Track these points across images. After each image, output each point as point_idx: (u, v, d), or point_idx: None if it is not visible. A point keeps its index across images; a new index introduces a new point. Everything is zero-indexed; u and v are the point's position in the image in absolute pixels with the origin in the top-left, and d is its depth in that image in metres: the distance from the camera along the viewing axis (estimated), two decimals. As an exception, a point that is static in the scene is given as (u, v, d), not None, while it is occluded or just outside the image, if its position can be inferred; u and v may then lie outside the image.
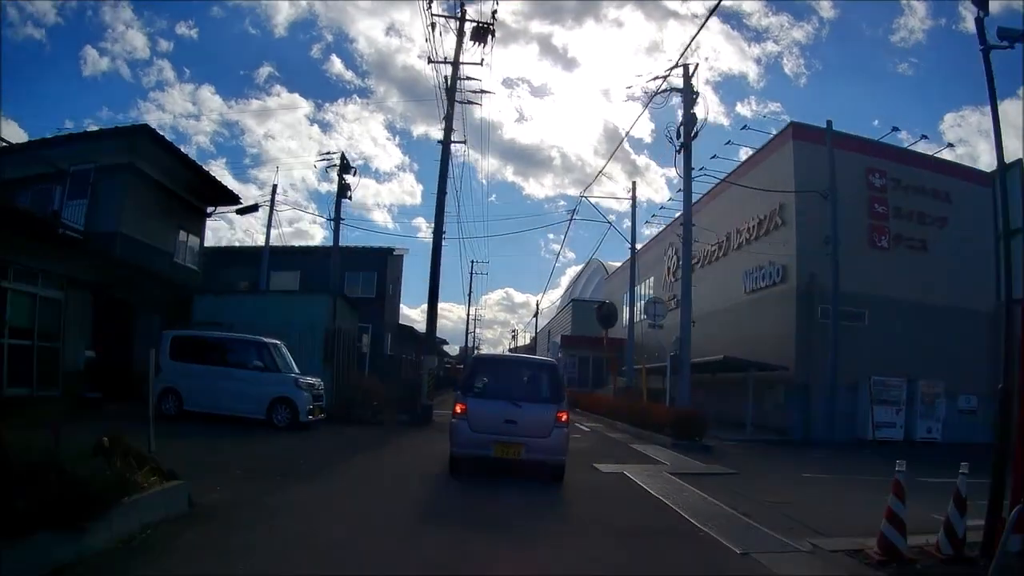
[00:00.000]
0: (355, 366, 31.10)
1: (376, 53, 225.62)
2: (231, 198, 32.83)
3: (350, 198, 39.93)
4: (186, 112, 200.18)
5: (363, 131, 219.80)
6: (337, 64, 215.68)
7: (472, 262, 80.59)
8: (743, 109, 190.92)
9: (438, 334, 51.38)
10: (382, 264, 51.82)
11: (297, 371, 22.46)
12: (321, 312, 27.12)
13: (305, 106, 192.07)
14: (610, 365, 37.62)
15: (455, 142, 29.79)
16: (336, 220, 39.31)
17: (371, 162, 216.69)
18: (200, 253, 32.99)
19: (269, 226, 38.88)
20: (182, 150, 28.26)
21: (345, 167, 38.93)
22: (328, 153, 39.94)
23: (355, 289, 51.02)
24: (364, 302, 48.11)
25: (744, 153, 39.97)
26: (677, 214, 45.22)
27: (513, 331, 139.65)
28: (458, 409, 13.88)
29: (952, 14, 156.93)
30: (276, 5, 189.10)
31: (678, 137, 27.74)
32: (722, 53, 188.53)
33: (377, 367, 38.86)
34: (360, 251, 53.98)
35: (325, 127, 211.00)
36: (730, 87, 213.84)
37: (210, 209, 33.40)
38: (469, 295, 79.42)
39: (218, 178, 30.97)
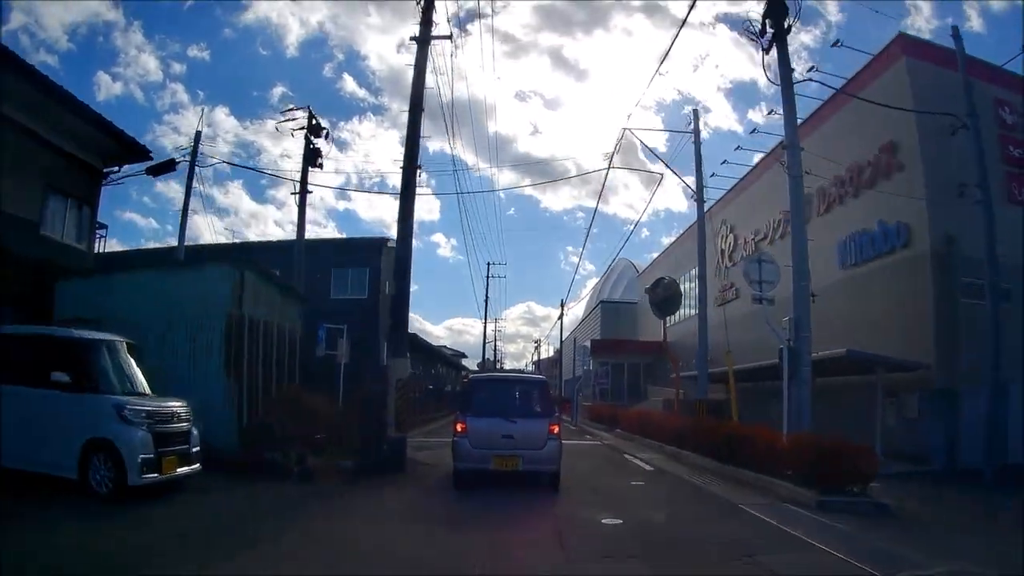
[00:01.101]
0: (294, 378, 21.16)
1: (388, 69, 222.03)
2: (138, 152, 22.91)
3: (320, 166, 30.49)
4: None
5: (378, 147, 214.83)
6: (350, 82, 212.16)
7: (488, 264, 71.08)
8: (755, 115, 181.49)
9: (459, 349, 44.50)
10: (376, 258, 42.72)
11: (142, 389, 12.82)
12: (218, 293, 16.90)
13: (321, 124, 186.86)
14: (671, 364, 27.05)
15: (436, 37, 19.96)
16: (302, 192, 30.39)
17: (387, 179, 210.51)
18: (93, 225, 23.15)
19: (188, 190, 28.82)
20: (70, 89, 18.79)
21: (314, 128, 29.87)
22: (292, 109, 30.22)
23: (343, 288, 42.41)
24: (352, 305, 39.45)
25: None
26: (721, 193, 37.47)
27: (536, 342, 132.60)
28: (459, 428, 14.83)
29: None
30: (286, 25, 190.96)
31: (763, 34, 18.22)
32: (732, 61, 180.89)
33: (354, 382, 29.57)
34: (349, 244, 45.20)
35: (341, 145, 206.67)
36: (741, 93, 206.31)
37: (113, 169, 23.58)
38: (486, 300, 70.33)
39: (115, 124, 21.20)
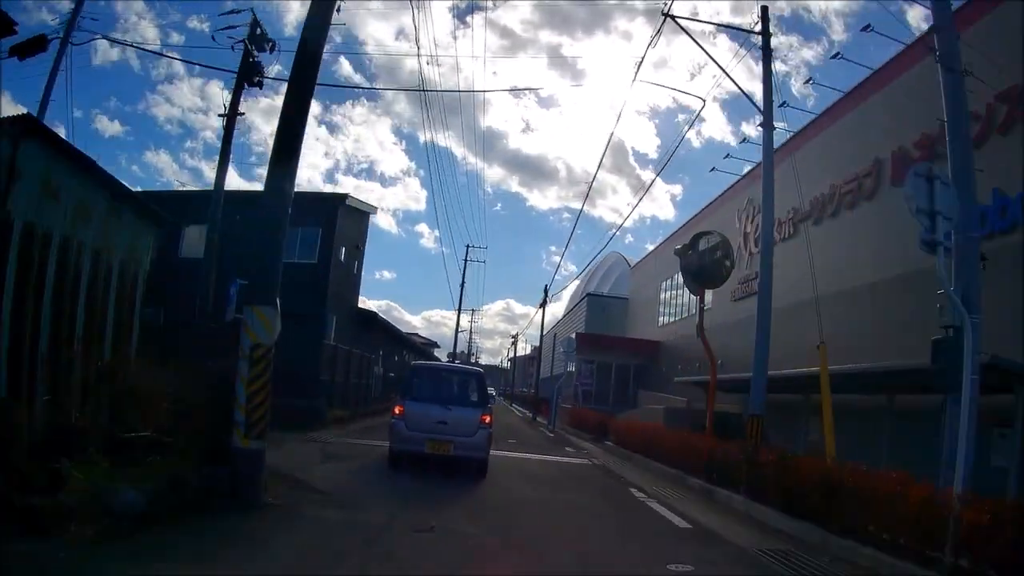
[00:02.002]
0: (128, 342, 13.95)
1: (386, 57, 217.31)
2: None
3: (260, 84, 23.04)
4: (195, 107, 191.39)
5: (370, 134, 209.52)
6: (346, 66, 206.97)
7: (467, 246, 64.29)
8: (748, 128, 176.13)
9: (436, 341, 37.58)
10: (329, 216, 35.41)
11: None
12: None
13: (313, 107, 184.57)
14: (708, 359, 18.97)
15: None
16: (231, 116, 23.20)
17: (376, 166, 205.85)
18: None
19: (53, 75, 21.67)
20: None
21: (258, 38, 22.32)
22: (234, 12, 22.80)
23: (288, 251, 34.85)
24: (297, 271, 32.12)
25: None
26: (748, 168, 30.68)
27: (513, 337, 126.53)
28: (397, 411, 15.37)
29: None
30: (287, 5, 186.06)
31: None
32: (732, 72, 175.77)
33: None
34: (300, 198, 37.74)
35: (333, 128, 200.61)
36: (736, 107, 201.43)
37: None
38: (462, 285, 63.49)
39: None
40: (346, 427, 25.13)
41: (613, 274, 67.75)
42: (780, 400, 21.36)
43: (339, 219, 35.67)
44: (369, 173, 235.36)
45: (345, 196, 36.56)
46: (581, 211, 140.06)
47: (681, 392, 31.17)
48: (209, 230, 23.23)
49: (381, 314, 51.75)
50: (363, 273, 40.43)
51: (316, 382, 24.68)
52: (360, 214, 40.74)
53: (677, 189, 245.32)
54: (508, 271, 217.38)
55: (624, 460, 22.54)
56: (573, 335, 41.97)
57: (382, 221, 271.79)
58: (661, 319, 45.06)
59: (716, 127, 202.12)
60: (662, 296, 45.31)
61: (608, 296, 61.83)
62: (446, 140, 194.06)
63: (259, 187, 28.37)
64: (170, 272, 25.28)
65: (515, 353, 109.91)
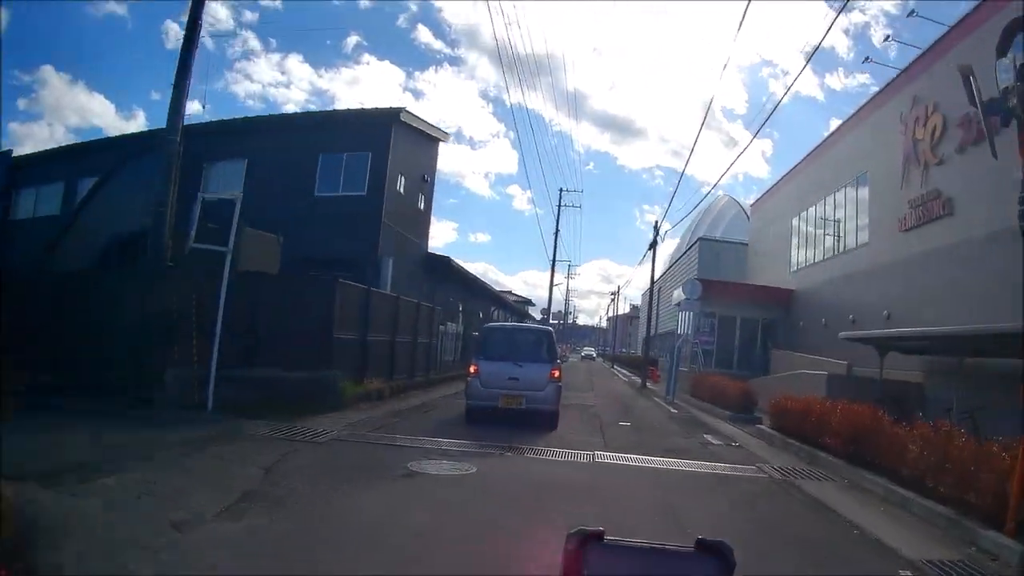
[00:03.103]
0: None
1: (463, 21, 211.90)
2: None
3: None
4: (275, 81, 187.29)
5: (455, 99, 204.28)
6: (425, 33, 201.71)
7: (560, 190, 56.73)
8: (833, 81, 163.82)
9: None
10: (381, 137, 27.75)
11: None
12: None
13: (397, 73, 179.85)
14: None
15: None
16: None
17: (464, 130, 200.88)
18: None
19: None
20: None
21: None
22: None
23: (331, 183, 28.10)
24: (344, 206, 25.04)
25: None
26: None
27: (613, 294, 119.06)
28: (472, 370, 16.38)
29: None
30: None
31: None
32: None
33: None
34: (344, 118, 30.03)
35: (418, 95, 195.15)
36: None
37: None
38: (556, 232, 55.82)
39: None
40: (379, 406, 17.81)
41: (724, 218, 58.67)
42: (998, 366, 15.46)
43: (394, 140, 28.02)
44: (459, 137, 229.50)
45: (399, 111, 28.50)
46: (683, 175, 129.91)
47: (844, 355, 22.64)
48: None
49: (479, 276, 44.33)
50: (438, 217, 32.90)
51: (326, 344, 16.92)
52: (425, 139, 32.64)
53: (767, 145, 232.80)
54: (603, 231, 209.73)
55: (809, 464, 13.62)
56: (696, 280, 32.79)
57: (474, 184, 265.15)
58: (795, 263, 36.26)
59: (804, 82, 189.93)
60: (796, 234, 36.43)
61: (722, 240, 52.50)
62: (533, 101, 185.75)
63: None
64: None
65: (616, 311, 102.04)
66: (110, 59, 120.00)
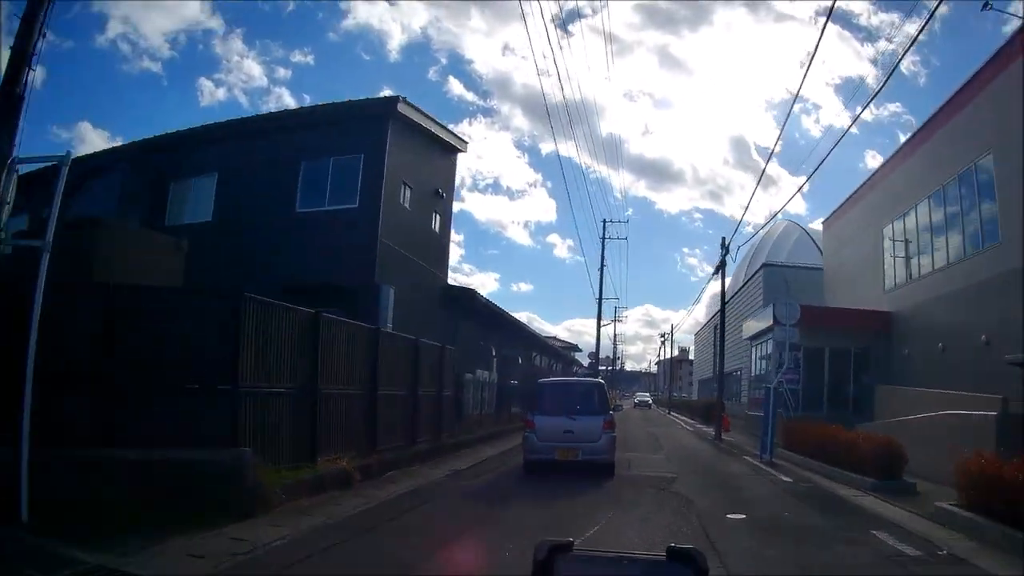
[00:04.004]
0: None
1: (494, 72, 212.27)
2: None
3: None
4: None
5: (490, 149, 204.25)
6: (457, 86, 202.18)
7: (604, 221, 50.84)
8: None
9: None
10: (375, 137, 22.06)
11: None
12: None
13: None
14: None
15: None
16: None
17: (501, 180, 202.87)
18: None
19: None
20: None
21: None
22: None
23: (315, 195, 22.39)
24: (330, 222, 21.76)
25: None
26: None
27: (663, 335, 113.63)
28: (528, 425, 16.48)
29: None
30: (388, 31, 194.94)
31: None
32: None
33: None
34: (327, 113, 23.83)
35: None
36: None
37: None
38: (601, 266, 49.56)
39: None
40: (337, 502, 11.32)
41: (784, 245, 51.68)
42: None
43: (391, 138, 22.15)
44: (496, 187, 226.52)
45: (396, 99, 22.16)
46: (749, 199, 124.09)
47: (953, 382, 16.20)
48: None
49: (517, 318, 37.76)
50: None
51: (226, 402, 10.00)
52: (437, 146, 26.20)
53: (801, 181, 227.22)
54: (644, 276, 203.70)
55: None
56: (794, 304, 25.31)
57: (515, 234, 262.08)
58: (890, 281, 29.47)
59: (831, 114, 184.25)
60: (888, 247, 29.59)
61: (789, 265, 45.28)
62: (569, 149, 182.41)
63: None
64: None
65: (666, 353, 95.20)
66: (147, 113, 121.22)
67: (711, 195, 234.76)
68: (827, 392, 29.88)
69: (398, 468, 14.61)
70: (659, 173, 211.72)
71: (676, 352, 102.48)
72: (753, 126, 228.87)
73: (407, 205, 23.69)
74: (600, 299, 49.49)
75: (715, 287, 57.75)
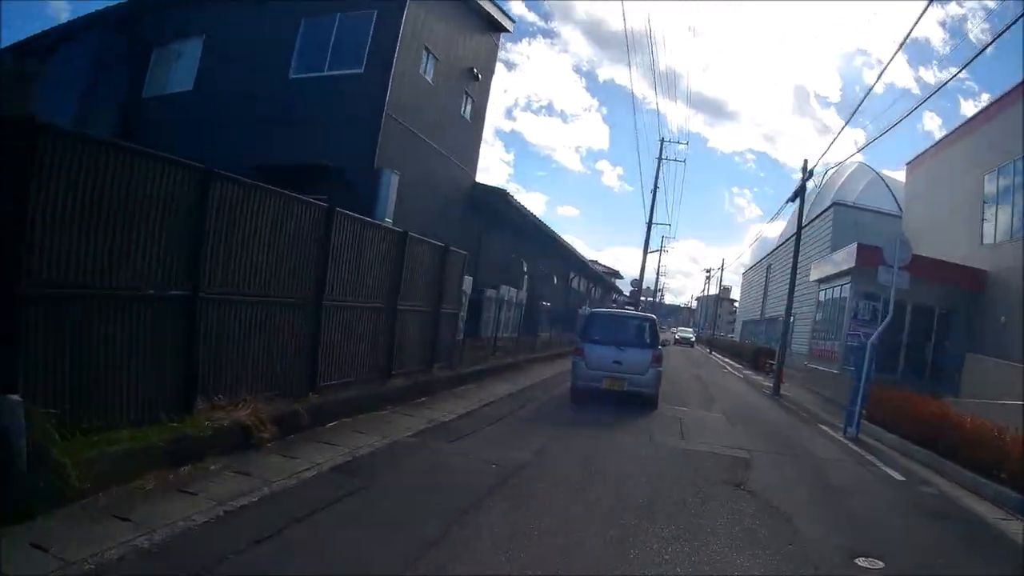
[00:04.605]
0: None
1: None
2: None
3: None
4: None
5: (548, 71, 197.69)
6: (517, 6, 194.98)
7: (661, 140, 46.68)
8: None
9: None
10: None
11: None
12: None
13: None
14: None
15: None
16: None
17: (556, 103, 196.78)
18: None
19: None
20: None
21: None
22: None
23: (316, 58, 17.89)
24: (333, 86, 18.11)
25: None
26: None
27: (708, 270, 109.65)
28: (577, 352, 16.21)
29: None
30: None
31: None
32: None
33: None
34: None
35: (511, 66, 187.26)
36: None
37: None
38: (654, 191, 45.39)
39: None
40: (181, 497, 6.24)
41: (854, 188, 46.49)
42: None
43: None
44: (549, 110, 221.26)
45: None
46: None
47: None
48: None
49: (558, 234, 33.03)
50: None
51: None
52: (475, 17, 21.66)
53: (860, 134, 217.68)
54: (691, 211, 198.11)
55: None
56: (906, 242, 20.03)
57: (565, 158, 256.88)
58: (989, 233, 25.02)
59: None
60: (991, 194, 24.96)
61: (864, 208, 40.35)
62: (625, 78, 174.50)
63: None
64: None
65: (719, 287, 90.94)
66: None
67: (764, 138, 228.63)
68: (904, 354, 25.35)
69: (351, 416, 10.28)
70: (715, 111, 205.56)
71: (719, 291, 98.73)
72: (814, 74, 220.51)
73: (429, 78, 19.36)
74: (650, 223, 44.78)
75: (769, 228, 52.99)
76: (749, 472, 10.08)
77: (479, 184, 23.84)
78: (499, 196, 23.26)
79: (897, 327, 25.43)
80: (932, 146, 31.87)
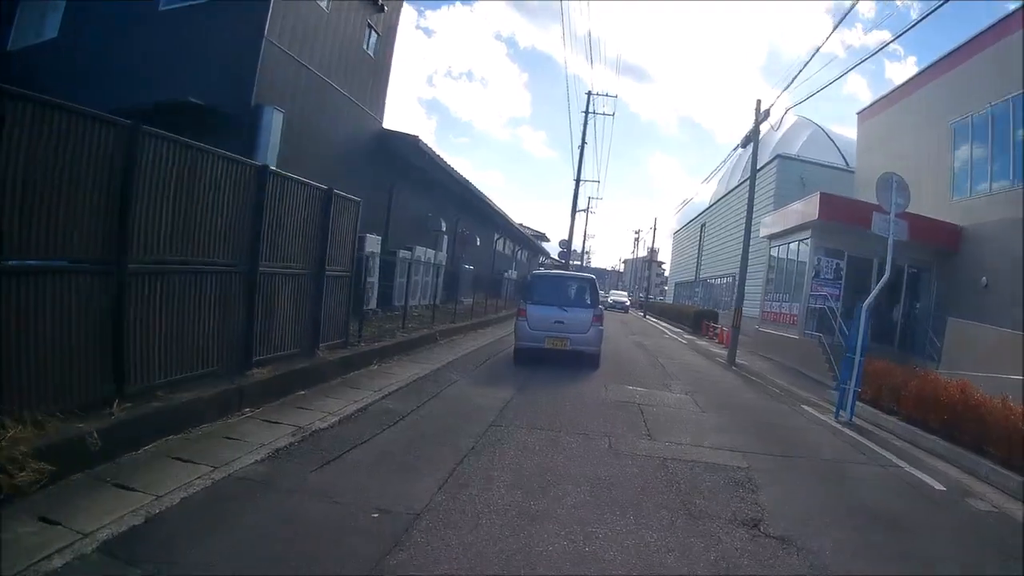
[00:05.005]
0: None
1: None
2: None
3: None
4: None
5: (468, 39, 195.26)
6: None
7: (588, 93, 44.07)
8: None
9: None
10: None
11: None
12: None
13: (407, 10, 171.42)
14: None
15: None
16: None
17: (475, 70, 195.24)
18: None
19: None
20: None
21: None
22: None
23: None
24: (207, 16, 15.71)
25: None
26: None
27: (637, 232, 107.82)
28: (521, 313, 16.45)
29: None
30: None
31: None
32: None
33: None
34: None
35: (429, 33, 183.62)
36: None
37: None
38: (582, 146, 42.38)
39: None
40: None
41: (794, 142, 44.00)
42: None
43: None
44: (470, 76, 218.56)
45: None
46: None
47: None
48: None
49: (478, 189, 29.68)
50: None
51: None
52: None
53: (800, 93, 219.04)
54: (616, 175, 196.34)
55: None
56: (903, 181, 17.08)
57: (487, 125, 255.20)
58: (964, 187, 22.35)
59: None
60: (964, 144, 22.50)
61: (809, 161, 37.75)
62: (546, 46, 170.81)
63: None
64: None
65: (653, 247, 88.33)
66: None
67: (688, 104, 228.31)
68: (875, 314, 22.79)
69: (180, 431, 6.82)
70: (638, 75, 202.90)
71: (645, 253, 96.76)
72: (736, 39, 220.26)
73: (323, 5, 16.32)
74: (578, 180, 41.87)
75: (702, 189, 50.46)
76: (758, 495, 7.05)
77: (387, 130, 20.54)
78: (409, 142, 19.91)
79: (862, 287, 22.88)
80: (887, 95, 29.20)
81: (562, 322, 15.95)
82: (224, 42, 14.47)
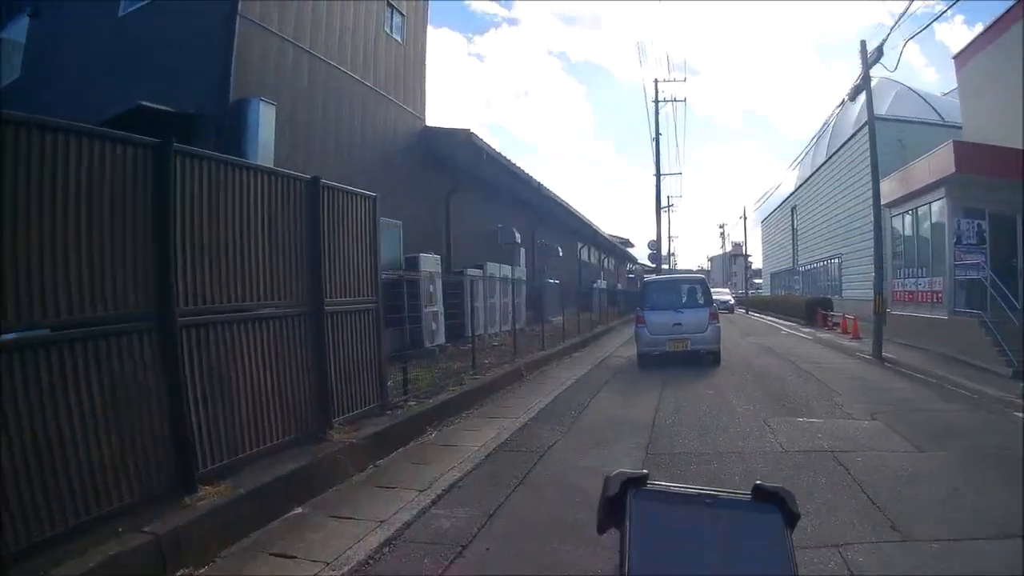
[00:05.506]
0: None
1: None
2: None
3: None
4: None
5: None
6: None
7: (656, 80, 41.48)
8: None
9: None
10: None
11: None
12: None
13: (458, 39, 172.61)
14: None
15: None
16: None
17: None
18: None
19: None
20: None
21: None
22: None
23: None
24: (171, 13, 12.61)
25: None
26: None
27: (721, 226, 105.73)
28: (639, 320, 17.01)
29: None
30: None
31: None
32: None
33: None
34: None
35: (481, 58, 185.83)
36: None
37: None
38: (656, 139, 39.09)
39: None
40: None
41: (881, 104, 39.50)
42: None
43: None
44: (528, 96, 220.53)
45: None
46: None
47: None
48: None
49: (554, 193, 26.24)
50: None
51: None
52: None
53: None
54: (687, 174, 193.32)
55: None
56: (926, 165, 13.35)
57: (548, 142, 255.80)
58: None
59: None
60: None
61: (907, 120, 33.70)
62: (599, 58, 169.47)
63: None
64: None
65: (745, 243, 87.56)
66: None
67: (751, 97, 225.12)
68: (982, 271, 18.42)
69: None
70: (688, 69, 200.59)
71: (730, 248, 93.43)
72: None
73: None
74: (658, 174, 38.48)
75: (785, 179, 46.35)
76: None
77: (431, 127, 17.19)
78: (460, 138, 16.63)
79: (1009, 248, 18.67)
80: (984, 31, 24.65)
81: (680, 324, 16.33)
82: (192, 32, 11.70)
